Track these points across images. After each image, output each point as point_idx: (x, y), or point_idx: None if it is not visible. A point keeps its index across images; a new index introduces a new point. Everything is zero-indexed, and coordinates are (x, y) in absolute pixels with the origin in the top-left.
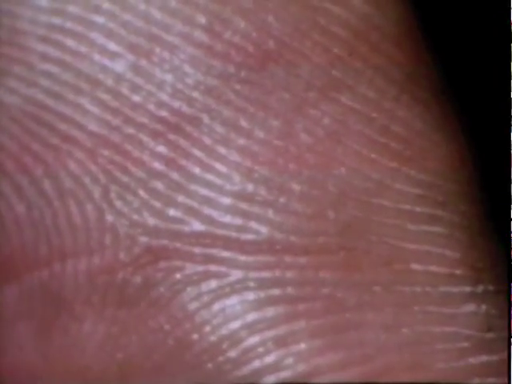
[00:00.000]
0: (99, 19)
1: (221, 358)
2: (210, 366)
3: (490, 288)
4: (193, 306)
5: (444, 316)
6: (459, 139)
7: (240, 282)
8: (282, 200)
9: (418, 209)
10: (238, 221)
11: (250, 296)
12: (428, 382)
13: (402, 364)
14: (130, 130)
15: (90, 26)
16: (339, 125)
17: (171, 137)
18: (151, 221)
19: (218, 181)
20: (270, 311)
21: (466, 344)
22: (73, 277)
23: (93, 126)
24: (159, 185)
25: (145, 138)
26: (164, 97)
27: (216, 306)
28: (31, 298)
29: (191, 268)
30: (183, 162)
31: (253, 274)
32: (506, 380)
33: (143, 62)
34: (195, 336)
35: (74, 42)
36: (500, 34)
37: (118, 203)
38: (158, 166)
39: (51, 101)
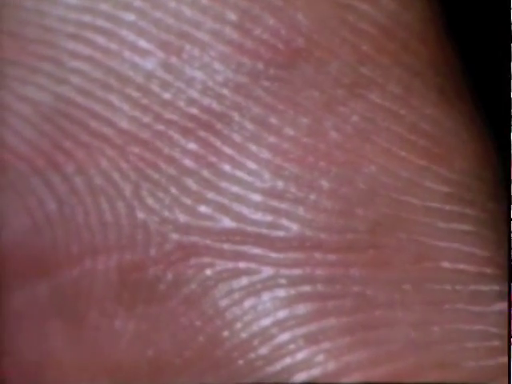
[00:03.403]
0: (130, 17)
1: (252, 355)
2: (240, 362)
3: None
4: (224, 302)
5: (474, 314)
6: (486, 138)
7: (271, 278)
8: (311, 197)
9: (447, 207)
10: (269, 218)
11: (281, 293)
12: (458, 381)
13: (431, 362)
14: (161, 127)
15: (121, 23)
16: (368, 122)
17: (201, 134)
18: (182, 218)
19: (248, 178)
20: (301, 308)
21: (496, 343)
22: (103, 274)
23: (123, 124)
24: (190, 182)
25: (175, 135)
26: (194, 94)
27: (247, 303)
28: (62, 295)
29: (222, 265)
30: (214, 159)
31: (283, 271)
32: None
33: (173, 60)
34: (226, 333)
35: (105, 39)
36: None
37: (149, 200)
38: (188, 163)
39: (81, 98)
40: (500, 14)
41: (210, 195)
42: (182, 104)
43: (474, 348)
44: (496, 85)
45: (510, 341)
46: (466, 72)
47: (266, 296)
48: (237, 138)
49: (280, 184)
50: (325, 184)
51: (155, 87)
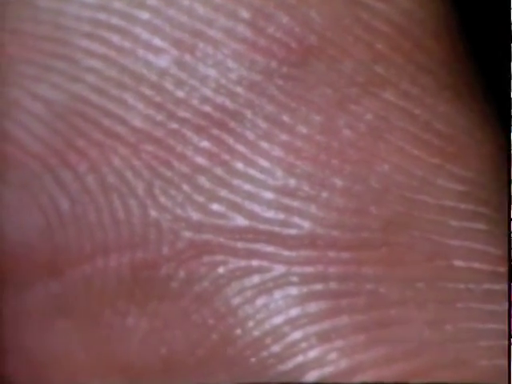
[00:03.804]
0: (144, 15)
1: (264, 353)
2: (253, 360)
3: None
4: (236, 300)
5: (487, 313)
6: (500, 138)
7: (283, 276)
8: (324, 195)
9: (461, 205)
10: (281, 216)
11: (293, 291)
12: (471, 380)
13: (445, 361)
14: (174, 126)
15: (135, 21)
16: (381, 121)
17: (215, 132)
18: (195, 215)
19: (260, 176)
20: (313, 306)
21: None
22: (116, 272)
23: (137, 122)
24: (203, 180)
25: (188, 133)
26: (207, 92)
27: (259, 301)
28: (74, 294)
29: (234, 263)
30: (226, 157)
31: (296, 269)
32: None
33: (187, 57)
34: (239, 331)
35: (119, 37)
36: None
37: (162, 198)
38: (201, 160)
39: (95, 96)
40: (500, 13)
41: (223, 193)
42: (195, 102)
43: (488, 347)
44: (496, 85)
45: (510, 340)
46: (478, 71)
47: (278, 294)
48: (250, 135)
49: (292, 182)
50: (337, 182)
51: (169, 85)
